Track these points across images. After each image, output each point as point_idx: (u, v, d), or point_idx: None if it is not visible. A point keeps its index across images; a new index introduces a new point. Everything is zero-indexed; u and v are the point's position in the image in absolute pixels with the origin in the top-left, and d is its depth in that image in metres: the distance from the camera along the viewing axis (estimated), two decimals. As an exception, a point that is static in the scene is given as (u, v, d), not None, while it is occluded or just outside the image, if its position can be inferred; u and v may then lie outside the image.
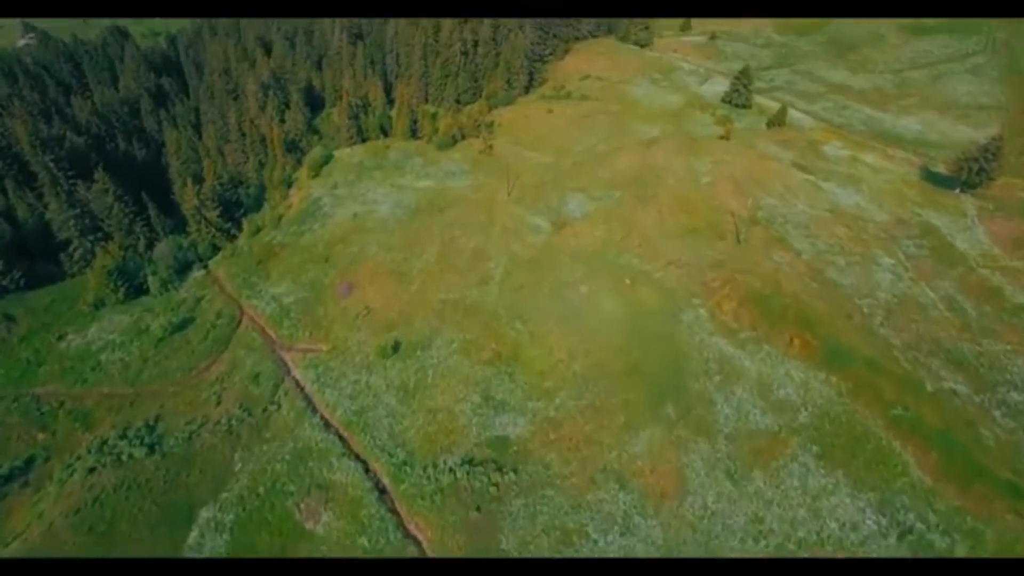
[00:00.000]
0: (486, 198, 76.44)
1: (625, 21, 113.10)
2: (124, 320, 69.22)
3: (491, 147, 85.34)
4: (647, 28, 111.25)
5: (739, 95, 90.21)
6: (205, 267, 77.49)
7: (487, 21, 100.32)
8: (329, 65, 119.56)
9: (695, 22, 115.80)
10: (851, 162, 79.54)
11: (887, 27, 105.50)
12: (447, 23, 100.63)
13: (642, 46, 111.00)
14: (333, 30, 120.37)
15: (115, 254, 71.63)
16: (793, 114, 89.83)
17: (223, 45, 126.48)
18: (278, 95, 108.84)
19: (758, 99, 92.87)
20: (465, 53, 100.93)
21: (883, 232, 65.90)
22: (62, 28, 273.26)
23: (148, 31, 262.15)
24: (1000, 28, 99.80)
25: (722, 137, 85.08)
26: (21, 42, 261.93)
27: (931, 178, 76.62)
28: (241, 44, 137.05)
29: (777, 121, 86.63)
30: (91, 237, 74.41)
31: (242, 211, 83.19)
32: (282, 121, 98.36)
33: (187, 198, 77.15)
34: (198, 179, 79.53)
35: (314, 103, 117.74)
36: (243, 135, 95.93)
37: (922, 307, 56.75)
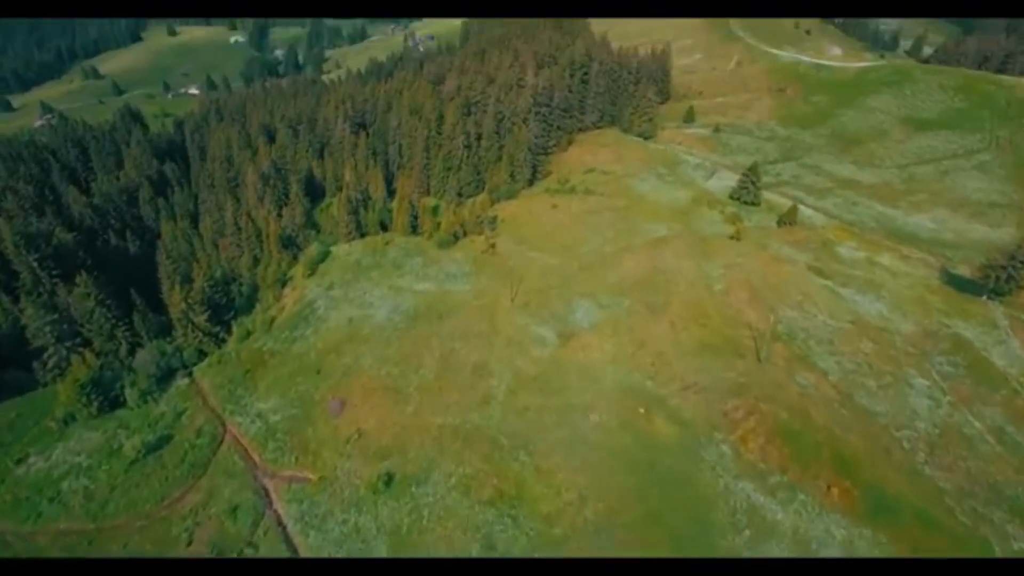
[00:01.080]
0: (488, 304, 72.73)
1: (627, 112, 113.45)
2: (95, 439, 63.83)
3: (494, 246, 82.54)
4: (651, 120, 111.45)
5: (748, 192, 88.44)
6: (190, 374, 72.84)
7: (490, 113, 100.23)
8: (331, 154, 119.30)
9: (698, 114, 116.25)
10: (868, 265, 76.38)
11: (889, 122, 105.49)
12: (450, 116, 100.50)
13: (646, 138, 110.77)
14: (336, 119, 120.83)
15: (91, 363, 67.12)
16: (803, 211, 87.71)
17: (226, 132, 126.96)
18: (278, 185, 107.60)
19: (767, 195, 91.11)
20: (468, 146, 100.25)
21: (912, 347, 61.65)
22: (79, 109, 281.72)
23: (160, 111, 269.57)
24: (1003, 126, 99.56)
25: (732, 237, 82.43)
26: (38, 122, 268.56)
27: (953, 282, 73.17)
28: (245, 130, 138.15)
29: (788, 219, 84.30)
30: (68, 343, 70.16)
31: (232, 313, 79.35)
32: (279, 215, 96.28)
33: (175, 301, 73.46)
34: (188, 279, 76.08)
35: (314, 192, 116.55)
36: (238, 229, 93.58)
37: (968, 440, 51.66)
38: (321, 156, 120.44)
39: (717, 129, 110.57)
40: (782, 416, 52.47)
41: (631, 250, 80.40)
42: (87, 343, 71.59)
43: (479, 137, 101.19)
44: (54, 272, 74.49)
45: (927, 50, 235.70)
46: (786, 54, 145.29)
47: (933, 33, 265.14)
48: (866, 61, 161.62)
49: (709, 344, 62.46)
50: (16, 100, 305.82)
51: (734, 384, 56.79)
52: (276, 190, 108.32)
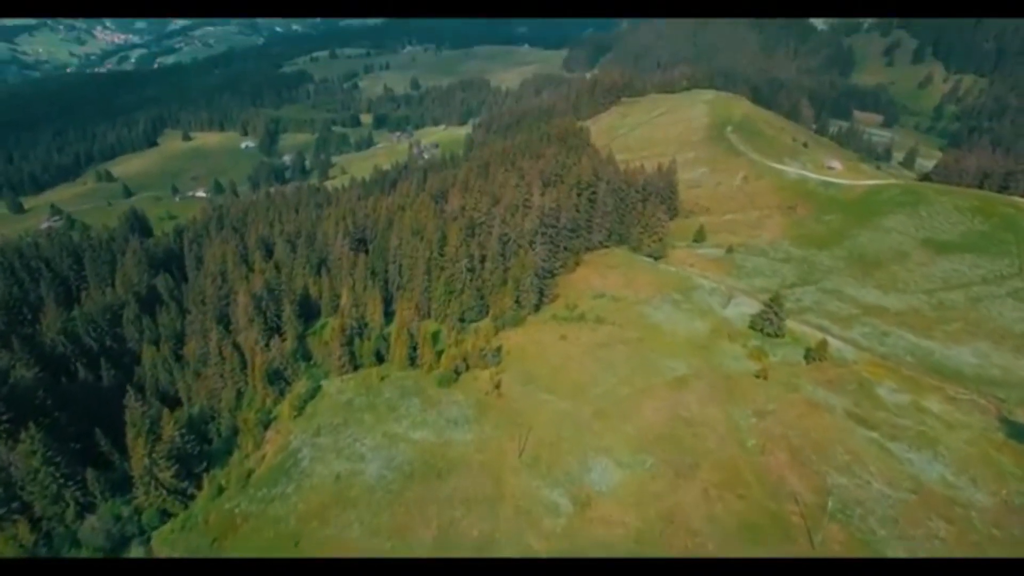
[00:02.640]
0: (493, 460, 64.35)
1: (636, 231, 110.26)
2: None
3: (499, 386, 75.25)
4: (660, 240, 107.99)
5: (770, 323, 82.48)
6: (148, 540, 63.15)
7: (495, 235, 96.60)
8: (329, 271, 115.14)
9: (708, 233, 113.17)
10: (916, 411, 68.63)
11: (909, 244, 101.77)
12: (453, 237, 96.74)
13: (656, 258, 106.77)
14: (336, 235, 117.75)
15: (24, 538, 57.65)
16: (831, 342, 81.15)
17: (222, 247, 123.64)
18: (270, 307, 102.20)
19: (790, 323, 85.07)
20: (471, 269, 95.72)
21: (996, 528, 52.56)
22: (87, 211, 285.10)
23: (165, 213, 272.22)
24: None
25: (758, 375, 75.38)
26: (44, 225, 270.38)
27: (1018, 434, 65.05)
28: (243, 242, 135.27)
29: (818, 355, 77.59)
30: (3, 510, 60.92)
31: (205, 464, 70.61)
32: (267, 345, 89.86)
33: (137, 454, 65.03)
34: (155, 427, 67.99)
35: (309, 312, 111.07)
36: (222, 359, 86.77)
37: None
38: (319, 273, 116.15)
39: (730, 250, 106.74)
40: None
41: (649, 392, 73.05)
42: (26, 508, 62.36)
43: (483, 259, 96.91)
44: (3, 419, 66.63)
45: (921, 162, 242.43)
46: (791, 169, 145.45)
47: (924, 146, 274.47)
48: (872, 178, 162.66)
49: (751, 522, 53.50)
50: (29, 202, 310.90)
51: (789, 582, 47.24)
52: (268, 313, 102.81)
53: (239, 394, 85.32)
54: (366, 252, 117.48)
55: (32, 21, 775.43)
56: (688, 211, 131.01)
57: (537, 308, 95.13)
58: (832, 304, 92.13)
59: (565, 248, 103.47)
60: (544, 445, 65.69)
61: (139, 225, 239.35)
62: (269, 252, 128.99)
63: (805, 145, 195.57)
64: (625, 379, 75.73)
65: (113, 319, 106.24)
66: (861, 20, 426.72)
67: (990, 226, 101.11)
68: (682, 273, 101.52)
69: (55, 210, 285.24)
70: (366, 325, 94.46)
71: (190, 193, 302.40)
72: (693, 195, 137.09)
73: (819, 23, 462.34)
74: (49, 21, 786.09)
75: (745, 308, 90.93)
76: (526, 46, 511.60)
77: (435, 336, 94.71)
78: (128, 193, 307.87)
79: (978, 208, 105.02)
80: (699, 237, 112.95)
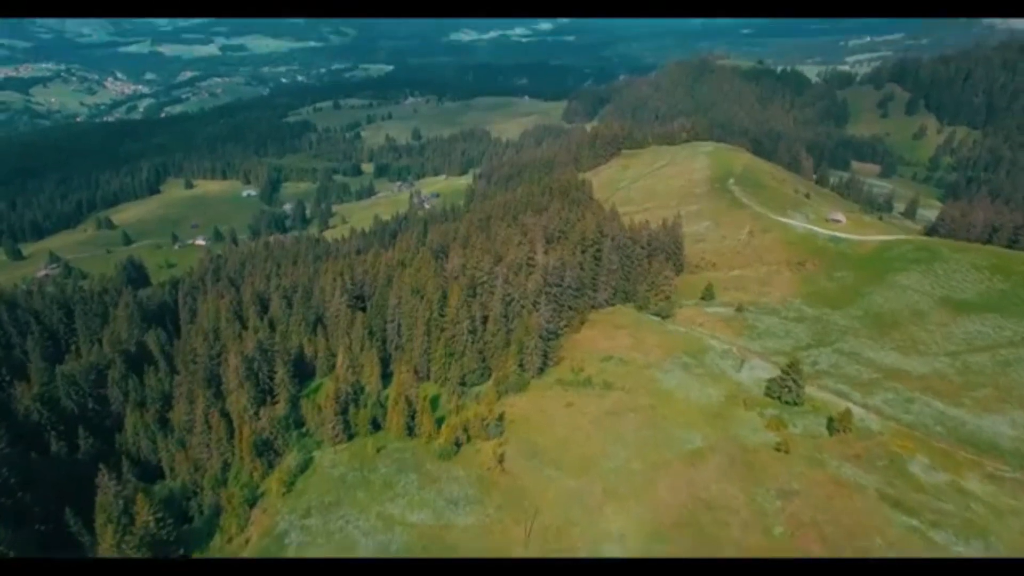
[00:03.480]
0: (498, 547, 58.84)
1: (642, 289, 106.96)
2: None
3: (502, 461, 70.22)
4: (668, 298, 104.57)
5: (788, 390, 78.07)
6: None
7: (498, 295, 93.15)
8: (325, 328, 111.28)
9: (718, 292, 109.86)
10: (956, 493, 63.47)
11: (926, 303, 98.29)
12: (454, 297, 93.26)
13: (663, 317, 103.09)
14: (334, 292, 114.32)
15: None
16: (854, 409, 76.48)
17: (216, 303, 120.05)
18: (263, 369, 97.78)
19: (809, 390, 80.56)
20: (473, 331, 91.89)
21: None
22: (86, 259, 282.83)
23: (164, 262, 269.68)
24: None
25: (779, 448, 70.50)
26: (41, 272, 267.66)
27: (1070, 521, 59.72)
28: (239, 296, 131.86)
29: (842, 426, 72.86)
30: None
31: (180, 551, 64.79)
32: (257, 413, 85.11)
33: (106, 541, 59.43)
34: (128, 510, 62.60)
35: (304, 372, 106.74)
36: (209, 428, 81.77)
37: None
38: (315, 331, 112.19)
39: (740, 308, 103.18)
40: None
41: (663, 467, 68.02)
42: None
43: (485, 320, 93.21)
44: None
45: (922, 212, 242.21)
46: (797, 223, 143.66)
47: (923, 196, 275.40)
48: (876, 230, 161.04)
49: (787, 630, 47.72)
50: (28, 249, 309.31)
51: None
52: (261, 374, 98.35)
53: (225, 466, 79.96)
54: (364, 310, 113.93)
55: (47, 73, 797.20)
56: (694, 266, 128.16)
57: (541, 371, 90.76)
58: (851, 367, 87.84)
59: (570, 308, 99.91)
60: (551, 530, 60.32)
61: (136, 274, 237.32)
62: (265, 307, 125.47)
63: (807, 197, 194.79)
64: (637, 452, 70.77)
65: (98, 379, 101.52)
66: (854, 73, 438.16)
67: (1011, 285, 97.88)
68: (692, 334, 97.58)
69: (53, 258, 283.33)
70: (362, 390, 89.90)
71: (190, 241, 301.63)
72: (699, 250, 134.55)
73: (812, 76, 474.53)
74: (63, 72, 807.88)
75: (760, 372, 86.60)
76: (526, 98, 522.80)
77: (435, 401, 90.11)
78: (128, 241, 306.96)
79: (996, 266, 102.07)
80: (707, 295, 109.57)
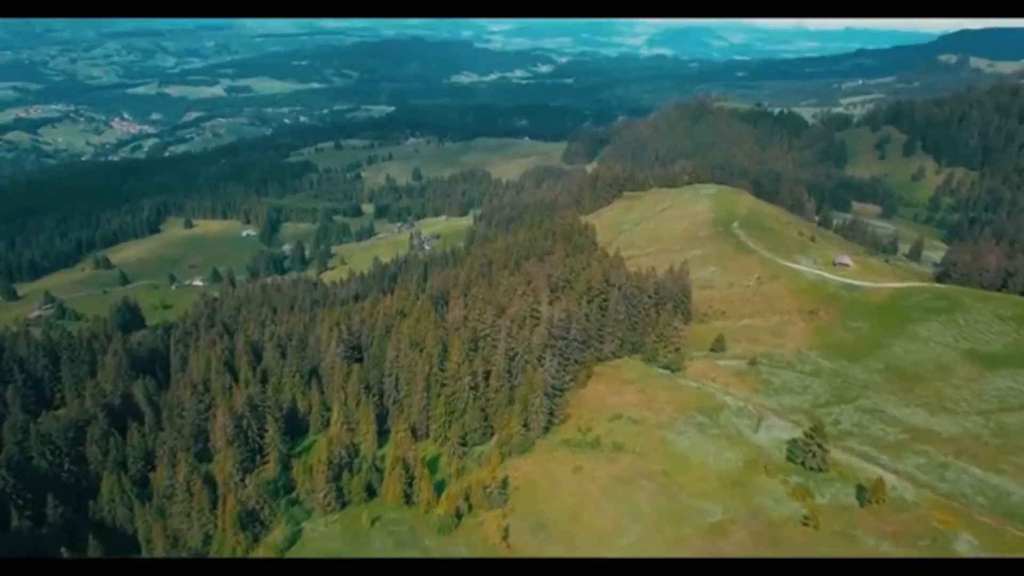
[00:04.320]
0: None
1: (650, 340, 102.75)
2: None
3: (506, 536, 64.71)
4: (678, 350, 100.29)
5: (813, 455, 73.02)
6: None
7: (501, 350, 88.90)
8: (320, 380, 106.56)
9: (728, 343, 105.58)
10: (1003, 576, 57.65)
11: (951, 356, 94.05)
12: (455, 351, 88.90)
13: (673, 370, 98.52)
14: (330, 342, 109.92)
15: None
16: (884, 476, 71.22)
17: (207, 352, 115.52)
18: (252, 427, 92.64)
19: (834, 453, 75.45)
20: (475, 387, 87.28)
21: None
22: (81, 299, 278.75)
23: (160, 303, 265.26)
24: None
25: (806, 522, 65.15)
26: (34, 313, 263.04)
27: None
28: (232, 343, 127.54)
29: (874, 496, 67.56)
30: None
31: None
32: (243, 479, 79.69)
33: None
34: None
35: (296, 427, 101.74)
36: (190, 495, 76.20)
37: None
38: (309, 383, 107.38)
39: (753, 362, 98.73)
40: None
41: (683, 544, 62.53)
42: None
43: (487, 376, 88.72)
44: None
45: (927, 254, 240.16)
46: (806, 268, 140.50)
47: (926, 237, 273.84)
48: (885, 274, 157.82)
49: None
50: (24, 288, 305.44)
51: None
52: (250, 432, 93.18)
53: (207, 539, 74.16)
54: (361, 360, 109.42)
55: (56, 114, 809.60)
56: (702, 315, 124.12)
57: (546, 430, 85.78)
58: (875, 427, 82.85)
59: (575, 361, 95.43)
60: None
61: (130, 316, 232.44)
62: (258, 356, 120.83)
63: (812, 239, 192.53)
64: (653, 526, 65.34)
65: (77, 436, 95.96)
66: (850, 116, 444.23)
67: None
68: (704, 389, 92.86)
69: (48, 298, 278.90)
70: (357, 452, 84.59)
71: (187, 282, 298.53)
72: (706, 297, 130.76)
73: (808, 118, 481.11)
74: (71, 113, 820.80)
75: (779, 433, 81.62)
76: (526, 139, 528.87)
77: (434, 462, 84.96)
78: (125, 280, 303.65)
79: (1022, 317, 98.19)
80: (718, 346, 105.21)
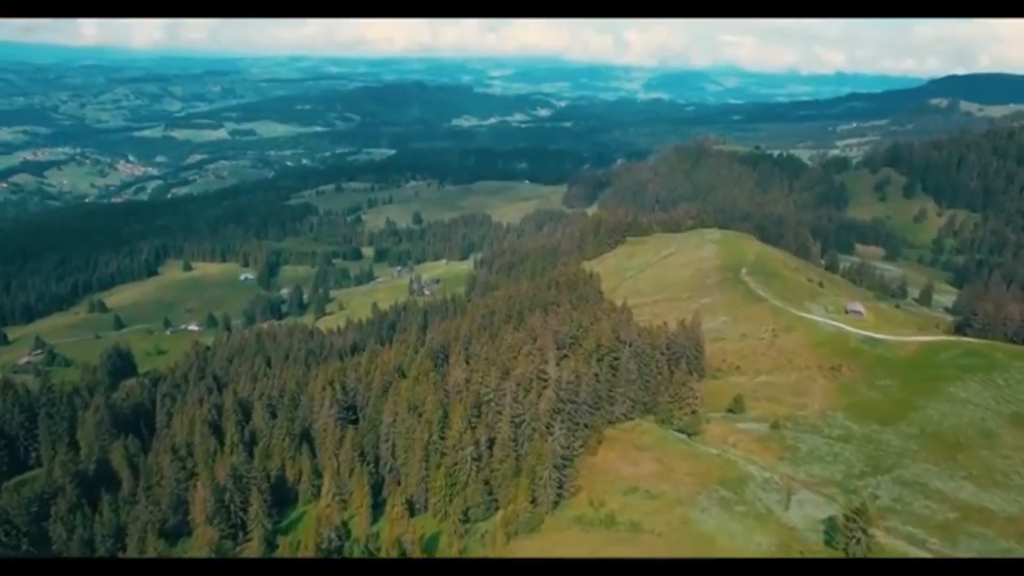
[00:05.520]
0: None
1: (664, 400, 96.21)
2: None
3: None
4: (694, 412, 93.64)
5: (856, 541, 65.74)
6: None
7: (506, 416, 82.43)
8: (311, 446, 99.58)
9: (747, 403, 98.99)
10: None
11: (993, 420, 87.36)
12: (456, 417, 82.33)
13: (690, 434, 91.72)
14: (323, 402, 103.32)
15: None
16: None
17: (192, 413, 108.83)
18: (235, 501, 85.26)
19: (876, 534, 68.07)
20: (478, 458, 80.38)
21: None
22: (73, 344, 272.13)
23: (154, 348, 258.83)
24: None
25: (856, 621, 57.17)
26: (24, 359, 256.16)
27: None
28: (220, 399, 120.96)
29: (926, 591, 59.91)
30: None
31: None
32: (221, 567, 71.98)
33: None
34: None
35: (285, 496, 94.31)
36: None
37: None
38: (300, 447, 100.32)
39: (776, 425, 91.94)
40: None
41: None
42: None
43: (491, 445, 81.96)
44: None
45: (937, 298, 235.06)
46: (822, 319, 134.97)
47: (934, 280, 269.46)
48: (897, 322, 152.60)
49: None
50: (16, 332, 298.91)
51: None
52: (233, 507, 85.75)
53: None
54: (356, 422, 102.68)
55: (63, 156, 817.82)
56: (715, 370, 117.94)
57: (556, 504, 78.44)
58: (919, 503, 75.59)
59: (585, 426, 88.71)
60: None
61: (121, 363, 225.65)
62: (248, 415, 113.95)
63: (821, 285, 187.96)
64: (681, 629, 57.39)
65: (41, 510, 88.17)
66: (849, 158, 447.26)
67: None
68: (725, 456, 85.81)
69: (38, 343, 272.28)
70: (348, 534, 77.13)
71: (183, 326, 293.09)
72: (718, 350, 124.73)
73: (806, 159, 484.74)
74: (78, 156, 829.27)
75: (812, 510, 74.41)
76: (526, 182, 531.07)
77: (433, 541, 77.46)
78: (119, 325, 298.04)
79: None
80: (736, 407, 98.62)
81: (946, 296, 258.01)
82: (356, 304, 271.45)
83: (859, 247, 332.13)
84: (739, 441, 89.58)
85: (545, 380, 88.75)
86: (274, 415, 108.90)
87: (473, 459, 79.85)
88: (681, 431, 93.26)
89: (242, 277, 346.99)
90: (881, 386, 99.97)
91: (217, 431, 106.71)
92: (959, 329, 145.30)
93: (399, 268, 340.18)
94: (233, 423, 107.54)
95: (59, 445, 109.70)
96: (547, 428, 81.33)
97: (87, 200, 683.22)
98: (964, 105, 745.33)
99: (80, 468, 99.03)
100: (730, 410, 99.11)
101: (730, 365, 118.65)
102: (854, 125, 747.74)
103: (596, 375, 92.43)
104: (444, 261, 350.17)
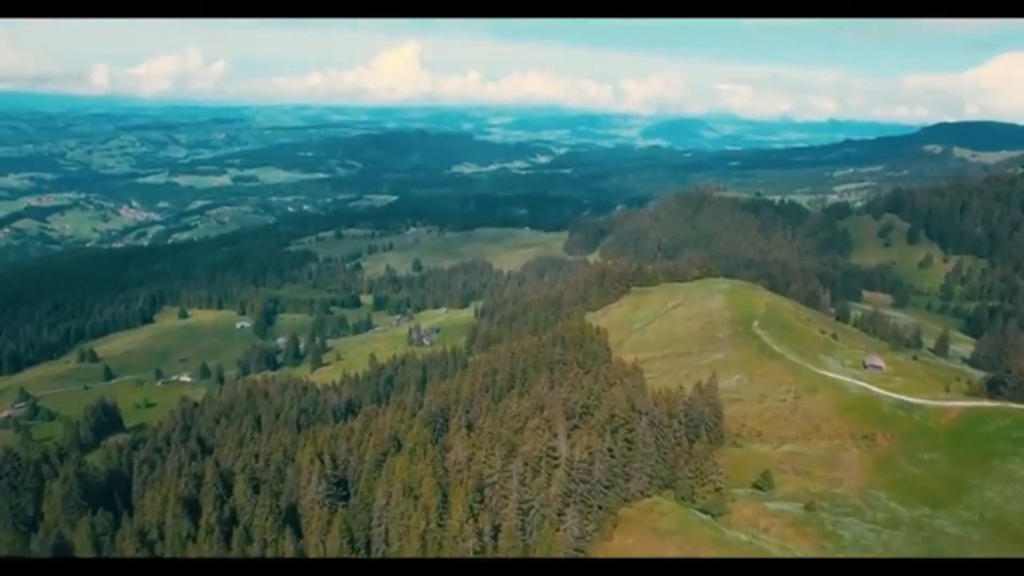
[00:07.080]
0: None
1: (685, 476, 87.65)
2: None
3: None
4: (718, 490, 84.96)
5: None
6: None
7: (512, 502, 73.90)
8: (297, 526, 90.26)
9: (777, 479, 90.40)
10: None
11: (1050, 503, 78.90)
12: (457, 504, 73.71)
13: (714, 516, 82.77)
14: (311, 476, 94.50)
15: None
16: None
17: (165, 489, 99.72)
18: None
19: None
20: (482, 549, 71.46)
21: None
22: (59, 396, 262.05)
23: (143, 401, 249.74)
24: None
25: None
26: (5, 413, 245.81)
27: None
28: (201, 468, 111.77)
29: None
30: None
31: None
32: None
33: None
34: None
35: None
36: None
37: None
38: (284, 528, 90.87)
39: (811, 506, 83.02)
40: None
41: None
42: None
43: (496, 534, 73.10)
44: None
45: (954, 348, 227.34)
46: (846, 379, 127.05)
47: (950, 329, 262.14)
48: (919, 376, 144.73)
49: None
50: (2, 383, 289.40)
51: None
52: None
53: None
54: (347, 499, 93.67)
55: (67, 202, 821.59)
56: (735, 435, 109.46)
57: (570, 605, 68.80)
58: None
59: (599, 507, 79.99)
60: None
61: (107, 417, 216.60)
62: (229, 489, 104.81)
63: (834, 336, 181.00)
64: None
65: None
66: (850, 203, 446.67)
67: None
68: (757, 544, 76.64)
69: (23, 395, 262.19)
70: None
71: (174, 377, 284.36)
72: (736, 413, 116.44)
73: (806, 204, 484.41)
74: (81, 201, 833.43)
75: (862, 614, 64.89)
76: (526, 229, 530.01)
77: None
78: (109, 375, 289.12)
79: None
80: (764, 482, 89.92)
81: (962, 346, 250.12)
82: (354, 354, 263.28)
83: (866, 294, 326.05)
84: (771, 525, 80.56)
85: (555, 459, 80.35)
86: (257, 490, 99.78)
87: (476, 552, 70.88)
88: (705, 511, 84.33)
89: (238, 325, 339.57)
90: (925, 461, 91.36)
91: (194, 508, 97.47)
92: (992, 386, 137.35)
93: (398, 316, 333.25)
94: (212, 499, 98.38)
95: (14, 529, 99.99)
96: (558, 515, 72.72)
97: (88, 245, 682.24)
98: (958, 151, 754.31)
99: (47, 546, 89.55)
100: (757, 486, 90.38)
101: (751, 431, 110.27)
102: (851, 171, 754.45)
103: (610, 450, 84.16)
104: (444, 309, 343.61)
